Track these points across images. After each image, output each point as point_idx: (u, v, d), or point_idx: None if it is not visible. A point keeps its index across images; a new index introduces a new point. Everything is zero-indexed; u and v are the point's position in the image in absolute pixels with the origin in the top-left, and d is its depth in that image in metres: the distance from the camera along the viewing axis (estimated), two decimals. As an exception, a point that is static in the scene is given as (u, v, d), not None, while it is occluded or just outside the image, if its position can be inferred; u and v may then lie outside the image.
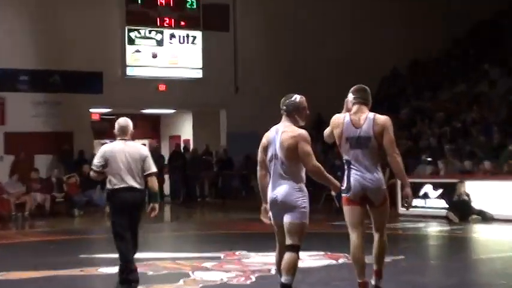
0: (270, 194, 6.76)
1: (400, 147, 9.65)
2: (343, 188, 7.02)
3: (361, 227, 7.07)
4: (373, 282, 7.10)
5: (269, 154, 6.78)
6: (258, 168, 6.94)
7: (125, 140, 8.26)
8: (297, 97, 6.90)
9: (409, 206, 7.16)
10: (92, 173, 8.41)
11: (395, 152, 7.04)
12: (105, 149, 8.28)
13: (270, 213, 6.85)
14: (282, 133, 6.72)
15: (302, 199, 6.69)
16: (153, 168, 8.30)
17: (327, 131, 7.25)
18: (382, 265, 7.17)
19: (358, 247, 7.04)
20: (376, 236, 7.18)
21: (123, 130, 8.30)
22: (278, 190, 6.68)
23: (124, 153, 8.14)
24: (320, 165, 6.72)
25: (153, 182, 8.36)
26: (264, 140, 6.88)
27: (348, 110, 7.20)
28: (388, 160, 7.07)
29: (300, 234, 6.68)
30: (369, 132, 6.99)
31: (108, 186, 8.23)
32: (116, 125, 8.36)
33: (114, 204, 8.27)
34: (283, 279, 6.59)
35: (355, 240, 7.04)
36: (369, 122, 7.02)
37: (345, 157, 7.06)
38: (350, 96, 7.24)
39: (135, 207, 8.22)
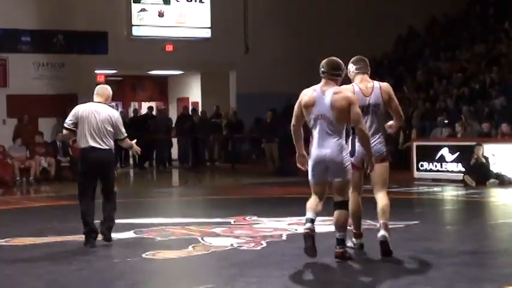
0: (316, 152, 7.28)
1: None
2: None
3: (359, 188, 7.87)
4: (382, 233, 7.56)
5: (314, 113, 7.27)
6: (294, 121, 7.45)
7: (99, 102, 8.81)
8: (342, 64, 7.46)
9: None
10: (63, 131, 8.95)
11: (403, 116, 8.04)
12: (78, 108, 8.81)
13: (310, 165, 7.38)
14: (333, 94, 7.21)
15: (346, 158, 7.30)
16: (124, 134, 8.89)
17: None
18: (387, 218, 7.64)
19: (356, 203, 7.84)
20: (379, 195, 7.74)
21: (99, 93, 8.88)
22: (325, 149, 7.22)
23: (93, 114, 8.66)
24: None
25: (127, 142, 9.01)
26: (306, 98, 7.37)
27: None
28: (398, 124, 7.97)
29: (347, 190, 7.44)
30: (378, 100, 7.70)
31: (78, 145, 8.79)
32: (96, 88, 8.99)
33: (81, 164, 8.83)
34: (338, 235, 7.36)
35: (354, 198, 7.80)
36: (376, 91, 7.71)
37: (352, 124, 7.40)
38: (352, 67, 7.88)
39: (102, 166, 8.71)
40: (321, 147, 7.25)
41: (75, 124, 8.68)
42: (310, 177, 7.41)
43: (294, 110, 7.49)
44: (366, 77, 7.81)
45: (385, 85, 7.83)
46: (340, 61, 7.48)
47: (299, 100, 7.45)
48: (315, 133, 7.30)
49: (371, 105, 7.66)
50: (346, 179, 7.31)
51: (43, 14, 22.09)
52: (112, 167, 8.94)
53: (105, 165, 8.74)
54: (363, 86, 7.69)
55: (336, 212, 7.30)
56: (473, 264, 7.46)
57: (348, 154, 7.35)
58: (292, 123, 7.50)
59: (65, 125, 8.79)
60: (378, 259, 7.58)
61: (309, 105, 7.32)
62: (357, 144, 7.48)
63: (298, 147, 7.51)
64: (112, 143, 8.76)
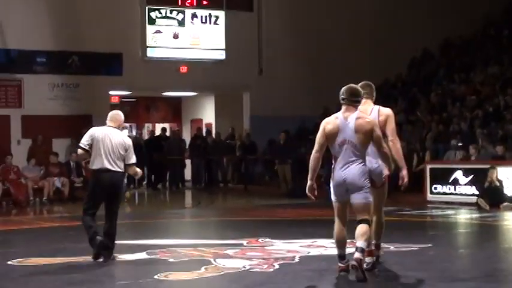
0: (339, 174, 7.58)
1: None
2: None
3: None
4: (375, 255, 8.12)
5: (339, 139, 7.57)
6: (318, 148, 7.71)
7: (111, 127, 9.20)
8: (361, 91, 7.91)
9: (404, 187, 8.21)
10: (78, 151, 9.27)
11: (396, 138, 8.18)
12: (94, 130, 9.18)
13: (332, 186, 7.72)
14: (356, 120, 7.57)
15: (367, 181, 7.63)
16: (133, 160, 9.24)
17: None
18: (380, 239, 8.34)
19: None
20: (374, 217, 8.03)
21: (112, 119, 9.27)
22: (348, 172, 7.54)
23: (109, 137, 9.05)
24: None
25: (133, 169, 9.34)
26: (329, 127, 7.65)
27: None
28: (389, 145, 8.01)
29: (369, 211, 7.66)
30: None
31: (91, 166, 9.15)
32: (109, 114, 9.39)
33: (93, 185, 9.18)
34: (359, 243, 7.47)
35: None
36: (374, 113, 8.14)
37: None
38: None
39: (113, 187, 9.06)
40: (342, 170, 7.57)
41: (91, 145, 9.03)
42: (333, 197, 7.73)
43: (318, 139, 7.73)
44: (369, 101, 8.31)
45: (385, 109, 8.27)
46: (359, 88, 7.91)
47: (322, 128, 7.71)
48: (340, 157, 7.61)
49: None
50: (368, 202, 7.60)
51: (58, 35, 22.20)
52: (122, 189, 9.36)
53: (116, 187, 9.09)
54: (363, 109, 7.94)
55: (359, 226, 7.55)
56: (487, 287, 7.40)
57: (368, 177, 7.67)
58: (315, 151, 7.74)
59: (81, 145, 9.12)
60: (391, 281, 7.54)
61: (334, 133, 7.61)
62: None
63: (312, 175, 7.75)
64: (123, 166, 9.13)
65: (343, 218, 7.69)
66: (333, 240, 7.78)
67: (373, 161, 7.88)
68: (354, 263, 7.39)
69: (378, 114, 8.13)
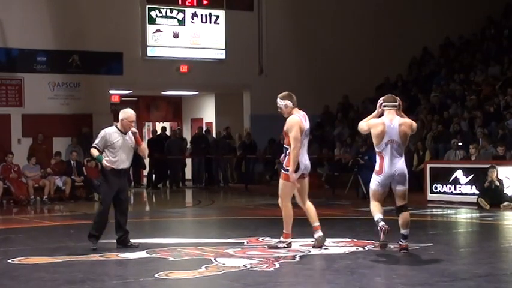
0: (389, 169, 9.06)
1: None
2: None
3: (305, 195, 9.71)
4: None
5: (386, 139, 9.05)
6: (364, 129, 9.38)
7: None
8: (397, 98, 9.45)
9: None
10: (93, 151, 9.82)
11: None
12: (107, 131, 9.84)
13: (381, 177, 9.25)
14: (400, 125, 9.11)
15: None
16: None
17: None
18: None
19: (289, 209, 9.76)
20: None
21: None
22: (397, 166, 9.08)
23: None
24: None
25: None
26: (379, 129, 9.09)
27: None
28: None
29: (406, 197, 9.29)
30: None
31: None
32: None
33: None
34: (404, 231, 9.15)
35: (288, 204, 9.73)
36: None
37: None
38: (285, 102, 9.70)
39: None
40: (392, 165, 9.07)
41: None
42: (378, 186, 9.20)
43: (362, 128, 9.34)
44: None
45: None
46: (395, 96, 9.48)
47: (367, 127, 9.25)
48: (386, 154, 9.07)
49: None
50: (407, 188, 9.21)
51: (59, 34, 22.22)
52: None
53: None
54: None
55: (401, 214, 9.15)
56: (488, 287, 7.40)
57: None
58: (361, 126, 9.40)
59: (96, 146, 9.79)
60: (391, 280, 7.54)
61: (381, 134, 9.06)
62: (302, 159, 9.36)
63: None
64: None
65: (381, 202, 9.32)
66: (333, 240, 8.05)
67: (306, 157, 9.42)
68: (402, 251, 9.08)
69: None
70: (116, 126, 9.90)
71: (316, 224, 9.52)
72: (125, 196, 9.99)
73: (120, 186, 9.80)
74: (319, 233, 9.50)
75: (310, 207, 9.59)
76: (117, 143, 9.74)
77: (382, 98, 9.39)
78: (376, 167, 9.19)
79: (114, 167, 9.64)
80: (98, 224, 9.79)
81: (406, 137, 9.13)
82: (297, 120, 9.37)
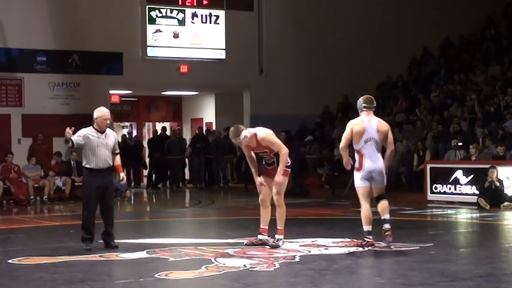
0: (369, 165, 9.55)
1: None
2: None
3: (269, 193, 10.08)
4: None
5: (365, 137, 9.56)
6: (344, 143, 9.63)
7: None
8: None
9: None
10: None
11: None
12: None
13: (361, 174, 9.66)
14: (377, 122, 9.69)
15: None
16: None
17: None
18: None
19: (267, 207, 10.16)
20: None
21: None
22: (377, 163, 9.60)
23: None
24: None
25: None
26: (357, 128, 9.59)
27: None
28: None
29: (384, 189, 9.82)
30: None
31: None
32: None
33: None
34: (386, 216, 9.54)
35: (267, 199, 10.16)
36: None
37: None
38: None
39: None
40: (372, 162, 9.56)
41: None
42: (361, 183, 9.62)
43: (345, 135, 9.64)
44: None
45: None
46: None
47: (350, 128, 9.63)
48: (365, 152, 9.57)
49: None
50: (385, 183, 9.74)
51: (59, 34, 22.21)
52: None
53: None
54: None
55: (380, 202, 9.63)
56: (488, 287, 7.40)
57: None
58: (342, 145, 9.69)
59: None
60: (391, 280, 7.54)
61: (361, 132, 9.56)
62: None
63: (345, 157, 9.70)
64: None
65: (368, 199, 9.60)
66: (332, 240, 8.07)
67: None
68: (388, 232, 9.38)
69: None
70: (93, 127, 10.04)
71: (266, 227, 10.07)
72: (110, 196, 10.00)
73: (104, 185, 9.83)
74: (265, 236, 10.03)
75: (270, 210, 10.12)
76: (95, 142, 9.88)
77: (361, 99, 9.85)
78: (356, 164, 9.66)
79: (78, 144, 10.01)
80: (85, 228, 9.89)
81: (383, 135, 9.64)
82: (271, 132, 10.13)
